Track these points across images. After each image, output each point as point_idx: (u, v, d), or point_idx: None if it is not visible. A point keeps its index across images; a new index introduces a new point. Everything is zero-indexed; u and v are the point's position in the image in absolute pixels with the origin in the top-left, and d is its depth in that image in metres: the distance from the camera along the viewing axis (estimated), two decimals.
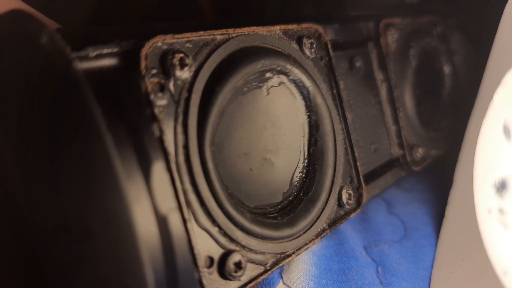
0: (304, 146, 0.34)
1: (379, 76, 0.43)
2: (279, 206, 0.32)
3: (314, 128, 0.34)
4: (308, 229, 0.32)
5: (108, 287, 0.22)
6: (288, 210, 0.32)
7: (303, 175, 0.33)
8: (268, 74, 0.31)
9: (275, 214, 0.31)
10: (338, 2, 0.49)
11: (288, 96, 0.32)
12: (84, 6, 0.42)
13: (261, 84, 0.31)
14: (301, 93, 0.33)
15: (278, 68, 0.31)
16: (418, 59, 0.48)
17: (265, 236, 0.29)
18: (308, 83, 0.33)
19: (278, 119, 0.32)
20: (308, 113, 0.34)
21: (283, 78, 0.32)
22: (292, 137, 0.33)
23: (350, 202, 0.36)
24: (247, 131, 0.30)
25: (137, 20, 0.46)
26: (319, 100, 0.33)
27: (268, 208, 0.31)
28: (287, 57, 0.32)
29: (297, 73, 0.32)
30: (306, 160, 0.34)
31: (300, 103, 0.33)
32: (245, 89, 0.29)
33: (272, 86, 0.31)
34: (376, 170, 0.42)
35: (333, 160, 0.34)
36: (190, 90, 0.26)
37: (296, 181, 0.33)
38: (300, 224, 0.31)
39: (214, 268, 0.26)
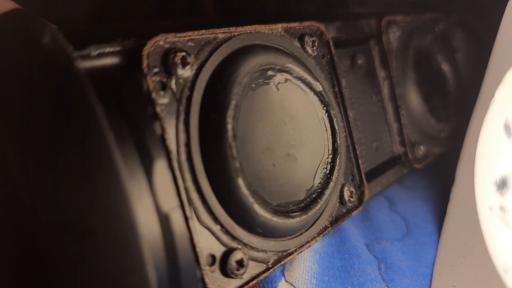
0: (328, 141, 0.33)
1: (381, 73, 0.43)
2: (302, 204, 0.31)
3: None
4: (310, 227, 0.32)
5: (110, 285, 0.22)
6: (311, 208, 0.31)
7: (327, 171, 0.32)
8: (270, 72, 0.30)
9: (298, 213, 0.30)
10: None
11: (299, 91, 0.32)
12: (85, 5, 0.42)
13: (268, 81, 0.30)
14: (311, 88, 0.32)
15: (278, 67, 0.30)
16: (420, 57, 0.48)
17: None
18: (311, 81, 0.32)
19: (296, 113, 0.31)
20: (325, 108, 0.33)
21: (286, 75, 0.31)
22: (314, 131, 0.32)
23: (352, 199, 0.36)
24: (267, 126, 0.29)
25: (139, 19, 0.46)
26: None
27: (290, 206, 0.30)
28: (288, 55, 0.32)
29: (298, 71, 0.32)
30: (331, 156, 0.33)
31: (313, 98, 0.32)
32: (253, 85, 0.29)
33: (279, 83, 0.30)
34: (378, 168, 0.42)
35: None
36: (192, 89, 0.26)
37: (320, 178, 0.32)
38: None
39: (216, 266, 0.26)
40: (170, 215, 0.24)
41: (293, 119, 0.31)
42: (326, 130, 0.33)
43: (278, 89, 0.30)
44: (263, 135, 0.29)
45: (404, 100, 0.44)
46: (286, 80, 0.31)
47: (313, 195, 0.32)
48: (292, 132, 0.30)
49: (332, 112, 0.33)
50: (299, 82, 0.31)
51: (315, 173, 0.32)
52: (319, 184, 0.32)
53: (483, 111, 0.40)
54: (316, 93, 0.32)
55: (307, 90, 0.32)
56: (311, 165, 0.32)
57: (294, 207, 0.30)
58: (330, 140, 0.33)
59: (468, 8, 0.56)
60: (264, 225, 0.28)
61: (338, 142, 0.33)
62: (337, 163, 0.33)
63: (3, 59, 0.24)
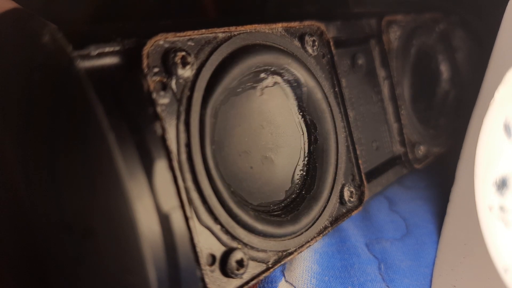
0: (304, 144, 0.34)
1: (381, 73, 0.43)
2: (283, 204, 0.32)
3: (311, 126, 0.34)
4: (310, 227, 0.32)
5: (111, 285, 0.22)
6: (291, 208, 0.32)
7: (304, 173, 0.34)
8: (262, 75, 0.31)
9: (279, 212, 0.31)
10: None
11: (281, 96, 0.33)
12: (85, 5, 0.42)
13: (256, 85, 0.31)
14: (295, 93, 0.33)
15: (273, 69, 0.31)
16: (421, 56, 0.48)
17: (268, 233, 0.29)
18: (307, 82, 0.33)
19: (274, 118, 0.32)
20: (301, 113, 0.34)
21: (277, 78, 0.32)
22: (291, 135, 0.33)
23: (352, 199, 0.36)
24: (245, 130, 0.30)
25: (139, 19, 0.46)
26: (319, 97, 0.33)
27: (271, 205, 0.31)
28: (288, 55, 0.32)
29: (296, 71, 0.32)
30: (307, 158, 0.34)
31: (292, 103, 0.33)
32: (239, 89, 0.30)
33: (266, 87, 0.31)
34: (378, 168, 0.42)
35: (335, 158, 0.34)
36: (192, 89, 0.26)
37: (297, 179, 0.33)
38: (303, 221, 0.31)
39: (216, 266, 0.26)
40: (170, 215, 0.24)
41: (271, 123, 0.32)
42: (303, 134, 0.34)
43: (261, 94, 0.31)
44: (241, 140, 0.29)
45: (404, 100, 0.44)
46: (275, 83, 0.32)
47: (293, 196, 0.33)
48: (269, 136, 0.32)
49: (308, 117, 0.34)
50: (286, 86, 0.33)
51: (293, 175, 0.33)
52: (297, 185, 0.33)
53: (483, 111, 0.40)
54: (298, 98, 0.33)
55: (290, 94, 0.33)
56: (288, 167, 0.33)
57: (275, 207, 0.31)
58: (306, 144, 0.34)
59: (468, 8, 0.56)
60: (245, 224, 0.28)
61: (315, 145, 0.34)
62: (314, 165, 0.34)
63: (2, 59, 0.24)
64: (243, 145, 0.30)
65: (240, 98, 0.30)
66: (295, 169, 0.33)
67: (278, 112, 0.32)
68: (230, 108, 0.29)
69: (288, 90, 0.33)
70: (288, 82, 0.32)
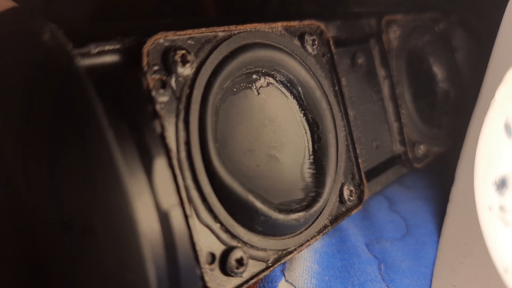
0: (308, 143, 0.34)
1: (381, 72, 0.43)
2: (305, 203, 0.32)
3: (314, 125, 0.34)
4: (309, 226, 0.32)
5: (110, 283, 0.22)
6: (311, 206, 0.32)
7: (314, 171, 0.33)
8: (254, 76, 0.31)
9: (303, 212, 0.31)
10: None
11: (280, 95, 0.33)
12: (86, 4, 0.42)
13: (250, 85, 0.31)
14: (291, 93, 0.33)
15: (264, 70, 0.31)
16: (420, 56, 0.48)
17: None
18: (306, 81, 0.33)
19: (275, 117, 0.32)
20: (302, 112, 0.34)
21: (269, 79, 0.32)
22: (294, 134, 0.33)
23: (351, 198, 0.36)
24: (247, 129, 0.30)
25: (139, 18, 0.46)
26: (318, 96, 0.33)
27: (293, 204, 0.31)
28: (288, 54, 0.32)
29: (293, 70, 0.32)
30: (312, 157, 0.33)
31: (292, 102, 0.33)
32: (235, 89, 0.30)
33: (261, 87, 0.31)
34: (378, 167, 0.42)
35: (335, 157, 0.34)
36: (191, 87, 0.26)
37: (308, 178, 0.33)
38: None
39: (216, 265, 0.26)
40: (170, 213, 0.24)
41: (273, 122, 0.32)
42: (306, 132, 0.34)
43: (259, 93, 0.31)
44: (244, 138, 0.29)
45: (404, 99, 0.44)
46: (268, 84, 0.32)
47: (311, 194, 0.32)
48: (272, 134, 0.31)
49: (310, 116, 0.34)
50: (280, 86, 0.32)
51: (301, 173, 0.33)
52: (311, 184, 0.32)
53: (484, 111, 0.40)
54: (296, 97, 0.33)
55: (288, 94, 0.33)
56: (295, 166, 0.33)
57: (297, 206, 0.31)
58: (310, 142, 0.34)
59: (468, 8, 0.56)
60: (265, 222, 0.28)
61: (319, 144, 0.34)
62: (323, 163, 0.33)
63: (2, 57, 0.24)
64: (246, 143, 0.29)
65: (238, 97, 0.30)
66: (301, 167, 0.33)
67: (279, 111, 0.32)
68: (230, 107, 0.29)
69: (284, 90, 0.33)
70: (281, 82, 0.32)
